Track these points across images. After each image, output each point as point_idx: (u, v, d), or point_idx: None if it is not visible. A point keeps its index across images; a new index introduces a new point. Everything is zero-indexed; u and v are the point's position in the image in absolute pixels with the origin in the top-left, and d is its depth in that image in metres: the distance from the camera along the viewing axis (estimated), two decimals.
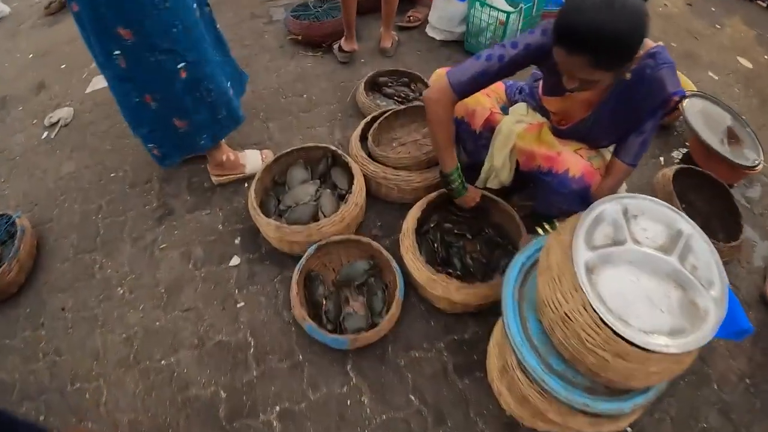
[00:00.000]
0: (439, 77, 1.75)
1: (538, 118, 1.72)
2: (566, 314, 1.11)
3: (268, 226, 1.80)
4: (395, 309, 1.66)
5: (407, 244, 1.73)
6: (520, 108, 1.75)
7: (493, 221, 1.96)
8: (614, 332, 1.04)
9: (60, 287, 1.91)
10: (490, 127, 1.74)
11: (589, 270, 1.13)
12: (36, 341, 1.76)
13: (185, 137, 1.87)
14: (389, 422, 1.52)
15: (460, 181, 1.72)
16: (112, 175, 2.32)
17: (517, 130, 1.66)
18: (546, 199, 1.66)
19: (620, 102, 1.43)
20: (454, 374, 1.61)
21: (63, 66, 3.13)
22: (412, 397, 1.57)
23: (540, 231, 1.63)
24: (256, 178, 1.97)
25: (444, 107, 1.52)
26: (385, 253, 1.76)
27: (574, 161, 1.51)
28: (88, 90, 2.87)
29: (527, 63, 1.44)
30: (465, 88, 1.47)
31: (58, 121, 2.65)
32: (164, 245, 2.03)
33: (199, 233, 2.05)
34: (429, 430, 1.50)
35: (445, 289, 1.63)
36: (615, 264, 1.15)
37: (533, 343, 1.30)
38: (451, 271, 1.76)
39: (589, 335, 1.08)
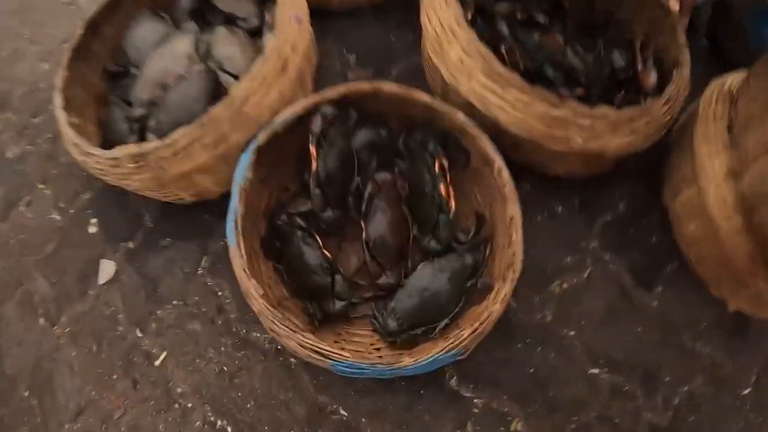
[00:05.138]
0: None
1: None
2: None
3: (122, 170, 0.70)
4: (514, 233, 0.63)
5: (461, 48, 0.65)
6: None
7: None
8: None
9: None
10: None
11: None
12: None
13: None
14: None
15: None
16: None
17: None
18: None
19: None
20: (638, 290, 0.83)
21: None
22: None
23: None
24: (61, 75, 0.82)
25: None
26: (437, 104, 0.70)
27: None
28: None
29: None
30: None
31: None
32: None
33: (24, 242, 0.97)
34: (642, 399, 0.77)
35: (590, 134, 0.62)
36: None
37: None
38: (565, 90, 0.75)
39: None
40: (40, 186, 1.02)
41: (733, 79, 0.77)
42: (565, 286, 0.82)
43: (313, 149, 0.70)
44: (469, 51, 0.67)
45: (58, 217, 0.96)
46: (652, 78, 0.82)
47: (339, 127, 0.73)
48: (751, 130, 0.65)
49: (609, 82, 0.85)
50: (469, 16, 0.83)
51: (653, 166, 0.86)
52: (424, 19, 0.75)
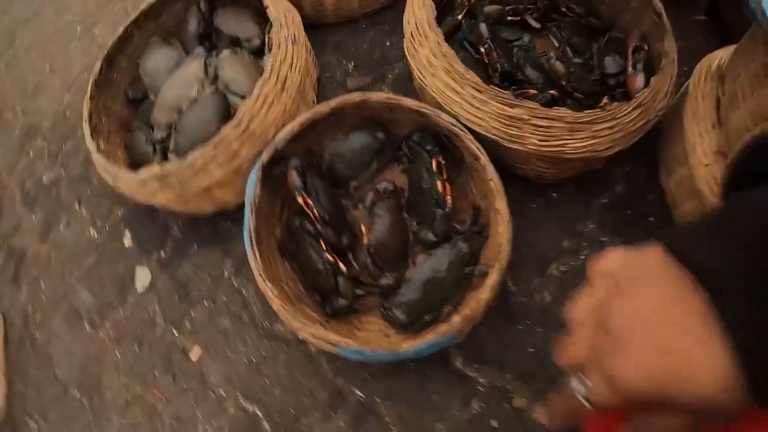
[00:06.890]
0: None
1: None
2: None
3: (149, 189, 0.79)
4: (501, 225, 0.69)
5: (429, 49, 0.71)
6: None
7: None
8: None
9: None
10: None
11: None
12: None
13: None
14: None
15: None
16: None
17: None
18: None
19: None
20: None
21: None
22: None
23: None
24: (86, 106, 0.91)
25: None
26: (422, 106, 0.76)
27: None
28: None
29: None
30: None
31: None
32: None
33: (65, 260, 1.07)
34: None
35: (547, 135, 0.69)
36: None
37: None
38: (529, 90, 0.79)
39: None
40: (76, 207, 1.12)
41: (723, 56, 0.74)
42: (563, 268, 0.83)
43: (301, 200, 0.76)
44: (435, 51, 0.72)
45: (94, 234, 1.06)
46: (638, 81, 0.79)
47: (312, 170, 0.80)
48: (734, 109, 0.64)
49: (596, 86, 0.84)
50: (460, 17, 0.88)
51: (650, 146, 0.85)
52: (405, 22, 0.81)
